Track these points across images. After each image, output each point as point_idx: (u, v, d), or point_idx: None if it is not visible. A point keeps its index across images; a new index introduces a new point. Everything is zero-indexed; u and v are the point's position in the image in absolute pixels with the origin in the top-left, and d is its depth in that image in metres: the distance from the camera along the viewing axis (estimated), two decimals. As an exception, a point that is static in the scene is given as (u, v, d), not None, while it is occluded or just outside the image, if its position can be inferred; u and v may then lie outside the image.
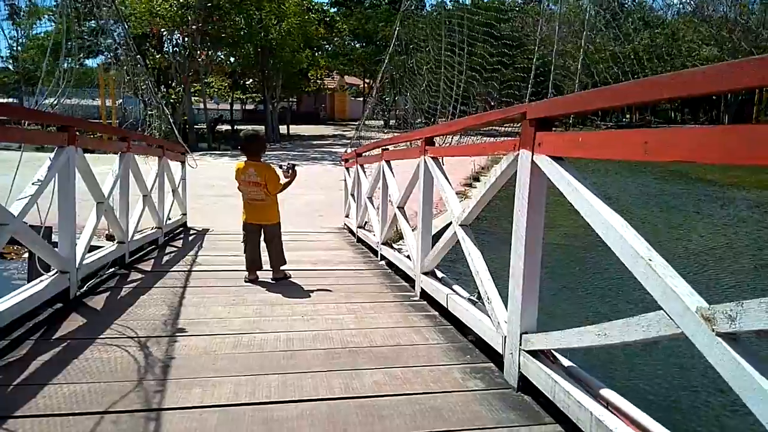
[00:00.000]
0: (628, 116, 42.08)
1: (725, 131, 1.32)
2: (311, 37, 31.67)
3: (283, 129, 32.68)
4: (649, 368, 4.66)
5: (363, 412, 2.10)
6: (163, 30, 25.22)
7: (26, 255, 6.58)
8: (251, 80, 34.26)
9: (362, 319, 3.34)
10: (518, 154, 2.34)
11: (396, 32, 11.56)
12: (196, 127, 27.20)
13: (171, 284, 4.09)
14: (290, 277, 4.39)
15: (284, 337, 2.96)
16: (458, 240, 3.23)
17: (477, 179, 13.52)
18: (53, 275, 3.31)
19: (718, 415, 3.87)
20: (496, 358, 2.58)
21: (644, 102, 1.59)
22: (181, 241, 6.37)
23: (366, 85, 40.38)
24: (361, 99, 40.76)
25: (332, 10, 40.43)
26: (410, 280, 4.21)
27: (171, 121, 10.47)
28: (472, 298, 3.26)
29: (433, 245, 3.80)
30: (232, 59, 30.14)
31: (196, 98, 29.68)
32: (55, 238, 3.85)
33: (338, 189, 10.39)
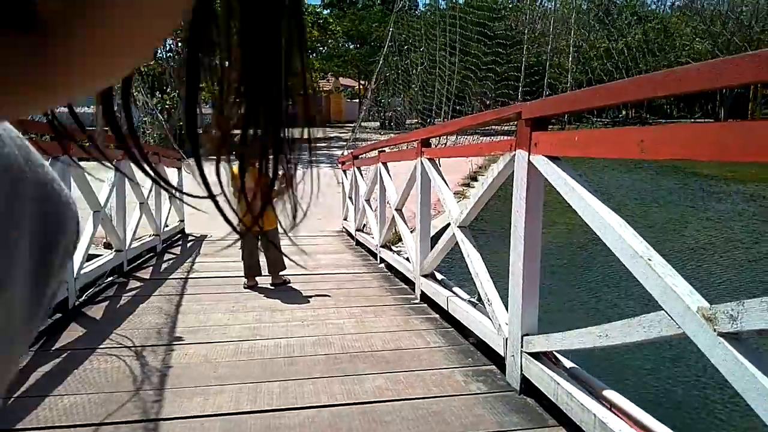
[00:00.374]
0: (624, 112, 42.11)
1: (720, 128, 1.32)
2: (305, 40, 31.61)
3: (279, 132, 32.63)
4: (650, 368, 4.65)
5: (365, 418, 2.09)
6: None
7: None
8: (246, 84, 34.21)
9: (362, 323, 3.33)
10: (515, 155, 2.33)
11: (390, 33, 11.56)
12: (192, 132, 27.12)
13: (170, 292, 4.07)
14: (289, 282, 4.38)
15: (284, 343, 2.95)
16: (457, 242, 3.22)
17: (474, 179, 13.50)
18: (51, 286, 3.29)
19: (720, 414, 3.86)
20: (498, 361, 2.57)
21: (639, 99, 1.58)
22: (180, 247, 6.36)
23: (361, 87, 40.40)
24: (357, 101, 40.80)
25: (325, 12, 40.41)
26: (410, 283, 4.20)
27: (166, 127, 10.45)
28: (472, 300, 3.25)
29: (432, 247, 3.79)
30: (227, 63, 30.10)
31: (192, 103, 29.61)
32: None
33: (336, 192, 10.37)
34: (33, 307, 0.28)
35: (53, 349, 2.80)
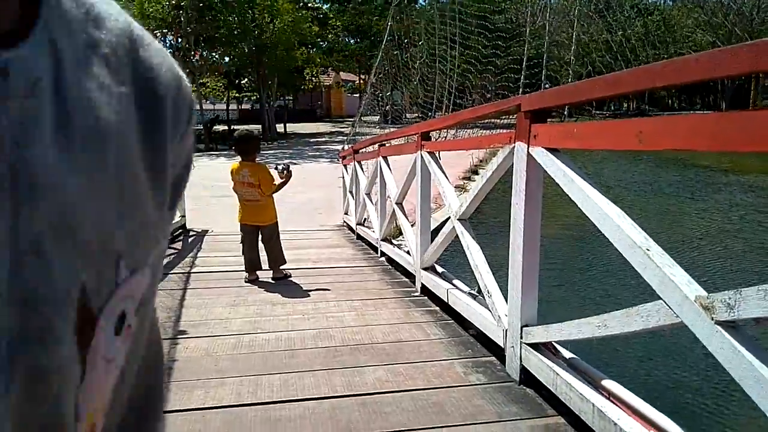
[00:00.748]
0: (625, 105, 42.06)
1: (719, 118, 1.32)
2: (305, 35, 31.59)
3: (279, 127, 32.64)
4: (649, 357, 4.67)
5: (365, 409, 2.10)
6: (155, 32, 25.13)
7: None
8: (246, 79, 34.18)
9: (363, 316, 3.34)
10: (514, 147, 2.33)
11: (389, 27, 11.53)
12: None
13: (171, 286, 4.08)
14: (290, 276, 4.39)
15: (285, 336, 2.96)
16: (457, 234, 3.23)
17: (475, 172, 13.50)
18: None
19: (718, 402, 3.88)
20: (498, 352, 2.58)
21: (637, 90, 1.58)
22: (181, 242, 6.37)
23: (362, 81, 40.35)
24: (358, 95, 40.75)
25: (325, 6, 40.30)
26: (410, 276, 4.21)
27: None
28: (472, 292, 3.26)
29: (432, 240, 3.79)
30: (226, 59, 30.05)
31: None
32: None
33: (337, 186, 10.38)
34: (149, 161, 0.32)
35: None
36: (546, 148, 2.09)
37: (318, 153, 21.90)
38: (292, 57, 29.43)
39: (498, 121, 11.26)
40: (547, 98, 2.18)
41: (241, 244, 4.41)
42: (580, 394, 1.87)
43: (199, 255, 5.50)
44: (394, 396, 2.22)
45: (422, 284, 3.84)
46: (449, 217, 3.39)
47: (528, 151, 2.20)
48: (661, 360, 4.63)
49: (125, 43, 0.31)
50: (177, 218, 7.17)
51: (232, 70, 31.01)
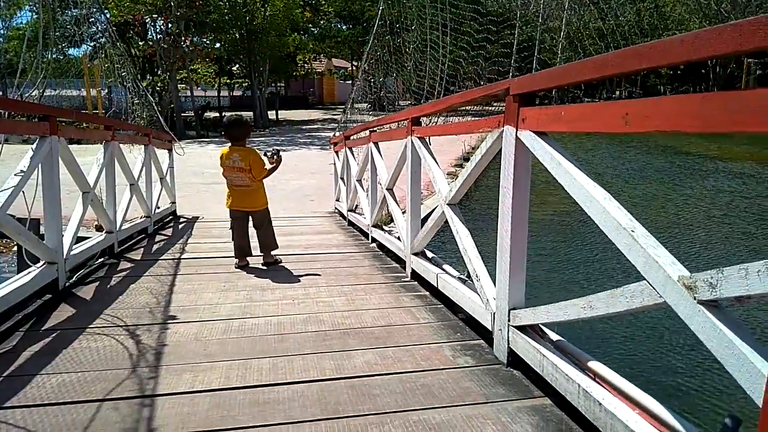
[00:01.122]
0: (617, 93, 42.07)
1: (704, 99, 1.32)
2: (297, 20, 31.32)
3: (271, 114, 32.46)
4: (633, 338, 4.73)
5: (354, 392, 2.11)
6: (145, 17, 24.85)
7: (15, 248, 6.53)
8: (238, 66, 33.91)
9: (353, 301, 3.35)
10: (503, 131, 2.33)
11: (380, 11, 11.43)
12: (183, 114, 26.92)
13: (161, 272, 4.07)
14: (281, 261, 4.39)
15: (275, 321, 2.96)
16: (447, 220, 3.23)
17: (467, 160, 13.49)
18: (41, 266, 3.29)
19: (700, 381, 3.94)
20: (486, 335, 2.60)
21: (624, 72, 1.58)
22: (171, 229, 6.34)
23: (354, 68, 40.08)
24: (350, 82, 40.49)
25: (317, -9, 39.93)
26: (401, 262, 4.22)
27: (157, 109, 10.36)
28: (462, 276, 3.28)
29: (422, 226, 3.80)
30: (217, 45, 29.77)
31: (183, 86, 29.36)
32: (42, 230, 3.83)
33: (328, 173, 10.35)
34: None
35: (43, 329, 2.81)
36: (534, 132, 2.09)
37: (310, 140, 21.82)
38: (284, 43, 29.22)
39: (489, 108, 11.23)
40: (536, 81, 2.17)
41: (230, 230, 4.40)
42: (566, 375, 1.88)
43: (189, 241, 5.48)
44: (382, 378, 2.23)
45: (412, 269, 3.85)
46: (438, 204, 3.39)
47: (516, 135, 2.19)
48: (644, 341, 4.70)
49: None
50: (167, 205, 7.15)
51: (223, 56, 30.74)
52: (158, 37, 25.30)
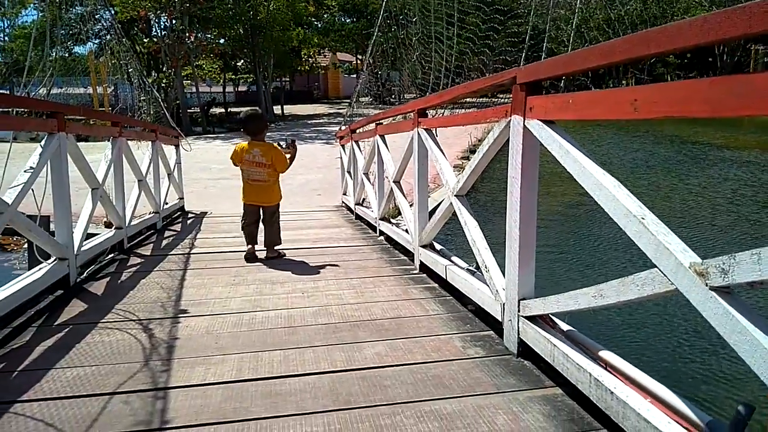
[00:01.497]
0: (624, 83, 41.78)
1: (712, 83, 1.31)
2: (301, 15, 31.25)
3: (277, 109, 32.46)
4: (644, 327, 4.72)
5: (365, 383, 2.12)
6: (150, 13, 24.87)
7: (27, 245, 6.59)
8: (242, 61, 33.91)
9: (362, 294, 3.35)
10: (510, 120, 2.32)
11: (385, 2, 11.38)
12: (189, 110, 26.98)
13: (171, 267, 4.10)
14: (285, 255, 4.41)
15: (285, 314, 2.98)
16: (454, 211, 3.23)
17: (473, 152, 13.45)
18: (52, 263, 3.32)
19: (713, 368, 3.93)
20: (496, 326, 2.60)
21: (632, 59, 1.57)
22: (180, 224, 6.37)
23: (359, 62, 40.00)
24: (355, 76, 40.41)
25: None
26: (409, 254, 4.22)
27: (163, 105, 10.39)
28: (470, 268, 3.27)
29: (430, 218, 3.80)
30: (222, 40, 29.77)
31: (188, 82, 29.40)
32: (52, 227, 3.86)
33: (335, 167, 10.37)
34: None
35: (55, 324, 2.83)
36: (542, 120, 2.08)
37: (316, 134, 21.83)
38: (288, 37, 29.17)
39: (495, 99, 11.18)
40: (542, 69, 2.16)
41: (241, 220, 4.44)
42: (577, 364, 1.88)
43: (198, 236, 5.51)
44: (393, 370, 2.23)
45: (421, 262, 3.86)
46: (446, 195, 3.39)
47: (524, 124, 2.19)
48: (653, 329, 4.69)
49: None
50: (175, 200, 7.18)
51: (228, 51, 30.74)
52: (162, 33, 25.33)
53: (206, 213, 7.28)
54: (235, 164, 4.44)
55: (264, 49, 28.52)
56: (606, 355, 1.92)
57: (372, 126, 5.73)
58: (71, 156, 3.62)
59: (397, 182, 4.83)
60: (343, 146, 8.39)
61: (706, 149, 17.01)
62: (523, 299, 2.29)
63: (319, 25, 38.69)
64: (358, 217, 6.56)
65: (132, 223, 5.05)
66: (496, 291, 2.54)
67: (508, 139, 2.38)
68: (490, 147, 2.66)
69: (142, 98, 9.85)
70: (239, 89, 43.09)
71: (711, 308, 1.32)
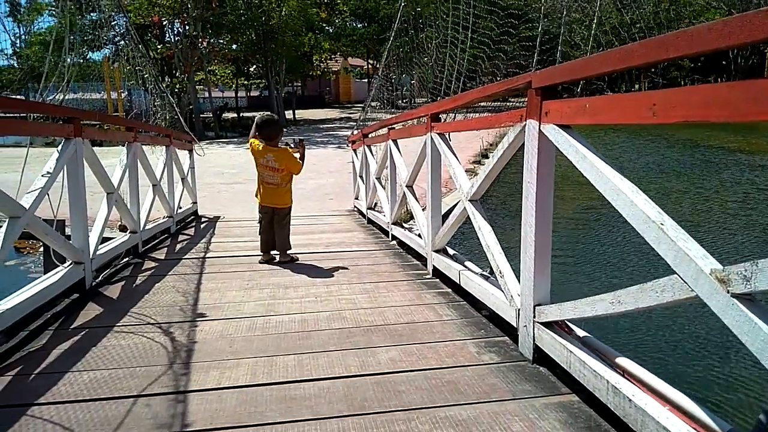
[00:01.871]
0: (636, 86, 41.50)
1: (732, 88, 1.29)
2: (312, 20, 31.39)
3: (288, 114, 32.60)
4: (662, 334, 4.67)
5: (380, 388, 2.11)
6: (163, 19, 25.10)
7: (42, 249, 6.66)
8: (255, 66, 34.10)
9: (376, 299, 3.35)
10: (525, 125, 2.31)
11: (401, 7, 11.41)
12: (201, 115, 27.17)
13: (185, 271, 4.12)
14: (297, 260, 4.43)
15: (298, 318, 2.98)
16: (468, 216, 3.22)
17: (486, 156, 13.43)
18: (68, 266, 3.35)
19: (733, 376, 3.87)
20: (511, 332, 2.58)
21: (650, 63, 1.55)
22: (193, 229, 6.41)
23: (370, 66, 40.09)
24: (366, 81, 40.49)
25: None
26: (422, 259, 4.21)
27: (177, 110, 10.48)
28: (484, 273, 3.26)
29: (443, 223, 3.79)
30: (234, 46, 29.98)
31: (201, 87, 29.62)
32: (68, 231, 3.89)
33: (347, 172, 10.38)
34: None
35: (71, 327, 2.86)
36: (558, 125, 2.07)
37: (327, 139, 21.89)
38: (300, 43, 29.31)
39: (508, 103, 11.17)
40: (558, 74, 2.15)
41: (258, 224, 4.52)
42: (594, 371, 1.86)
43: (211, 240, 5.54)
44: (408, 375, 2.23)
45: (434, 266, 3.85)
46: (460, 200, 3.38)
47: (540, 129, 2.17)
48: (670, 336, 4.64)
49: None
50: (189, 205, 7.23)
51: (240, 56, 30.93)
52: (176, 39, 25.55)
53: (219, 217, 7.32)
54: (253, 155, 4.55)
55: (276, 55, 28.68)
56: (623, 361, 1.89)
57: (384, 130, 5.74)
58: (87, 161, 3.66)
59: (409, 186, 4.82)
60: (355, 151, 8.40)
61: (719, 153, 16.88)
62: (539, 305, 2.27)
63: (331, 31, 38.83)
64: (370, 221, 6.56)
65: (146, 227, 5.08)
66: (511, 296, 2.53)
67: (522, 144, 2.37)
68: (504, 152, 2.65)
69: (156, 103, 9.93)
70: (251, 94, 43.33)
71: (732, 315, 1.30)
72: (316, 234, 5.76)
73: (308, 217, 6.87)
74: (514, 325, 2.49)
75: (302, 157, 4.61)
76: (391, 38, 11.75)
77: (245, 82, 39.17)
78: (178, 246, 5.29)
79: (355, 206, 7.99)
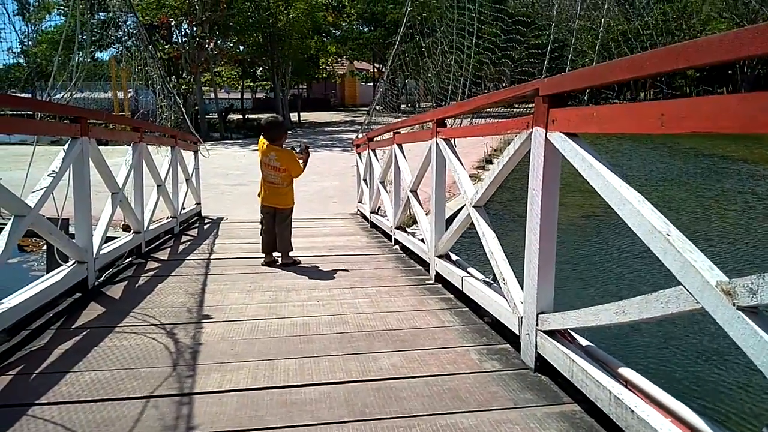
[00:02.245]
0: (642, 94, 41.45)
1: (742, 99, 1.29)
2: (319, 23, 31.49)
3: (294, 116, 32.66)
4: (666, 346, 4.64)
5: (381, 394, 2.10)
6: (171, 20, 25.20)
7: (45, 247, 6.67)
8: (261, 68, 34.21)
9: (378, 304, 3.34)
10: (532, 132, 2.30)
11: (407, 13, 11.42)
12: (207, 116, 27.24)
13: (187, 272, 4.12)
14: (300, 262, 4.43)
15: (300, 322, 2.97)
16: (472, 222, 3.21)
17: (490, 162, 13.43)
18: (71, 266, 3.35)
19: (737, 389, 3.85)
20: (513, 339, 2.57)
21: (659, 72, 1.55)
22: (197, 230, 6.42)
23: (376, 70, 40.15)
24: (372, 84, 40.54)
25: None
26: (425, 264, 4.21)
27: (183, 111, 10.50)
28: (487, 280, 3.25)
29: (447, 228, 3.78)
30: (241, 47, 30.08)
31: (207, 88, 29.71)
32: (72, 230, 3.90)
33: (351, 175, 10.38)
34: None
35: (73, 327, 2.86)
36: (564, 133, 2.06)
37: (332, 142, 21.91)
38: (306, 45, 29.39)
39: (513, 110, 11.16)
40: (566, 82, 2.15)
41: (260, 225, 4.54)
42: (597, 381, 1.85)
43: (215, 242, 5.54)
44: (409, 381, 2.22)
45: (436, 272, 3.84)
46: (463, 206, 3.37)
47: (546, 136, 2.17)
48: (674, 347, 4.61)
49: None
50: (193, 205, 7.23)
51: (247, 58, 31.02)
52: (183, 40, 25.64)
53: (223, 218, 7.33)
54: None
55: (282, 57, 28.76)
56: (626, 372, 1.88)
57: (389, 135, 5.74)
58: (93, 160, 3.67)
59: (414, 191, 4.82)
60: (359, 154, 8.41)
61: (722, 162, 16.86)
62: (542, 313, 2.26)
63: (337, 34, 38.91)
64: (373, 225, 6.55)
65: (150, 227, 5.09)
66: (514, 304, 2.52)
67: (528, 151, 2.36)
68: (510, 158, 2.64)
69: (162, 104, 9.96)
70: (257, 96, 43.45)
71: (738, 328, 1.29)
72: (319, 237, 5.75)
73: (311, 220, 6.87)
74: (517, 332, 2.48)
75: (305, 163, 4.66)
76: (397, 43, 11.77)
77: (251, 84, 39.29)
78: (181, 247, 5.29)
79: (358, 210, 7.99)
